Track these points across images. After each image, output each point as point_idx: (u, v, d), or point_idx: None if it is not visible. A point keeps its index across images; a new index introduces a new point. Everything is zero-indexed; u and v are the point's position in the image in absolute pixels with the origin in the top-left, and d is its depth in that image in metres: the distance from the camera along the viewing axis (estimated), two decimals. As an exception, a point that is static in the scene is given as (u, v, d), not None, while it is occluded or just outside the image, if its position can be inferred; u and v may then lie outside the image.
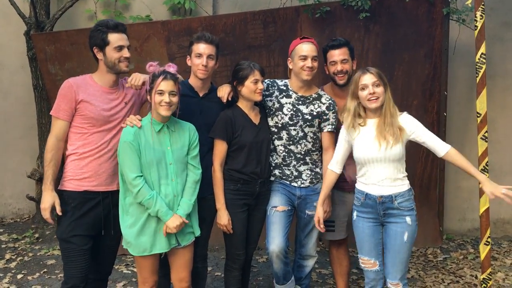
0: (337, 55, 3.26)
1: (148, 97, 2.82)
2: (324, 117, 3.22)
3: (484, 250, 3.61)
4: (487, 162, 3.56)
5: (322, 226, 3.08)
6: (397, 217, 2.88)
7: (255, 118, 3.18)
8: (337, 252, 3.54)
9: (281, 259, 3.15)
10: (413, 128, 2.88)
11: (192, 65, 3.12)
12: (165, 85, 2.74)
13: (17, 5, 5.18)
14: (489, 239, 3.60)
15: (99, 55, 2.89)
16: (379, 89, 2.85)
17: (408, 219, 2.87)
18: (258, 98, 3.08)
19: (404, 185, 2.90)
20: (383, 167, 2.87)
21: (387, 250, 2.94)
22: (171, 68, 2.82)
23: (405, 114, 2.93)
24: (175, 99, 2.78)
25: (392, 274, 2.92)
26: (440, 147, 2.86)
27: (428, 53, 4.58)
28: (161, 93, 2.74)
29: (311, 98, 3.25)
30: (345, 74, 3.27)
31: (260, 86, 3.05)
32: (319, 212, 3.07)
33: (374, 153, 2.86)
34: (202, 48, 3.05)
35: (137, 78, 2.93)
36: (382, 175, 2.88)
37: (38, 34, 4.98)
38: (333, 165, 3.08)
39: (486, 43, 3.63)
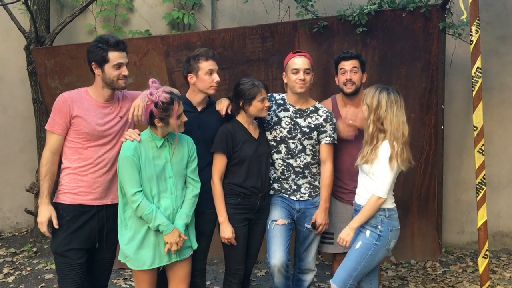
0: (348, 64, 3.33)
1: (160, 124, 2.77)
2: (322, 129, 3.23)
3: (482, 264, 3.59)
4: (485, 175, 3.56)
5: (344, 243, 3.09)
6: (359, 227, 2.97)
7: (254, 132, 3.20)
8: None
9: (282, 273, 3.15)
10: (379, 158, 2.89)
11: (201, 82, 3.08)
12: (181, 108, 2.82)
13: (17, 20, 5.21)
14: (487, 252, 3.59)
15: (97, 71, 2.87)
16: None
17: (367, 232, 2.94)
18: (265, 114, 3.13)
19: None
20: (361, 176, 3.03)
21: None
22: (156, 84, 2.79)
23: (385, 142, 2.91)
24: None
25: (335, 275, 3.01)
26: (373, 188, 2.91)
27: (425, 67, 4.61)
28: (179, 116, 2.81)
29: (308, 111, 3.27)
30: (353, 84, 3.32)
31: (267, 103, 3.09)
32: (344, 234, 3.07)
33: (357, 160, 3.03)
34: (212, 64, 3.07)
35: (138, 110, 2.82)
36: (360, 184, 3.04)
37: (38, 48, 5.02)
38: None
39: (483, 57, 3.66)
